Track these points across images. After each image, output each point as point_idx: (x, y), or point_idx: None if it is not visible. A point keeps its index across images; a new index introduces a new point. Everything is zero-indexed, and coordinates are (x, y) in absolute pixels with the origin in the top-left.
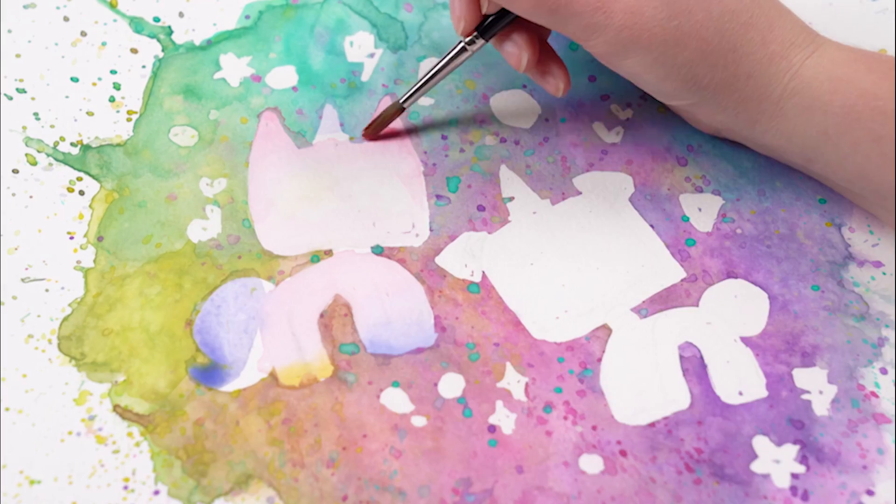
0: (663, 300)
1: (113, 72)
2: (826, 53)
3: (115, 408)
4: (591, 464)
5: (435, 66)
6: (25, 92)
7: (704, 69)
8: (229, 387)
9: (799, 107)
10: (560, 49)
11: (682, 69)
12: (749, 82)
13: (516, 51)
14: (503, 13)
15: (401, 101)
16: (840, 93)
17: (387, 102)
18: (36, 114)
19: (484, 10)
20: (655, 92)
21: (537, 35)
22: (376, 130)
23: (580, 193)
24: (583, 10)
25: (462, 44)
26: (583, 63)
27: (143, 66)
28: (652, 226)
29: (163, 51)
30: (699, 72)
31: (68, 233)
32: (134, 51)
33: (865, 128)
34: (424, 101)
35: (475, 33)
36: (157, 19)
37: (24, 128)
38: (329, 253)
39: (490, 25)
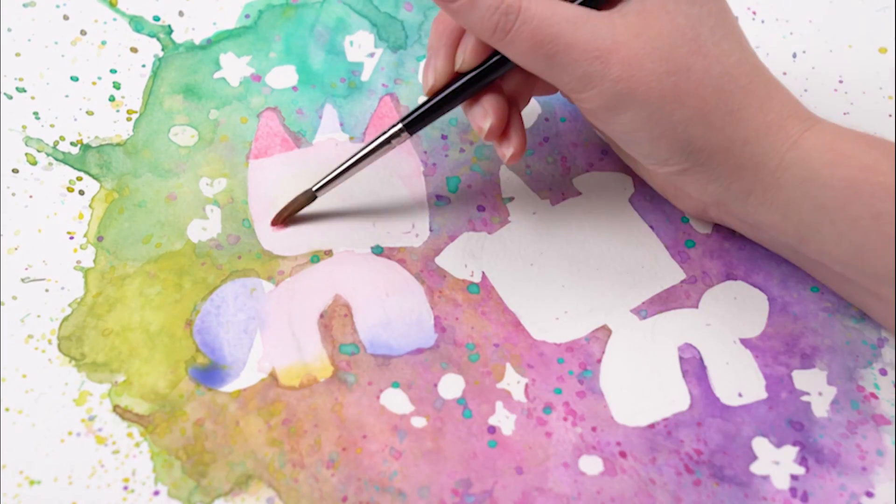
0: (663, 301)
1: (113, 71)
2: (826, 128)
3: (115, 408)
4: (591, 465)
5: (354, 156)
6: (25, 91)
7: (700, 130)
8: (229, 387)
9: (797, 178)
10: None
11: (677, 128)
12: (745, 149)
13: (481, 115)
14: (467, 83)
15: (314, 189)
16: (840, 166)
17: (387, 102)
18: (36, 113)
19: (458, 66)
20: (646, 155)
21: (506, 101)
22: (285, 218)
23: (580, 194)
24: (580, 58)
25: (388, 135)
26: None
27: (143, 66)
28: (652, 227)
29: (163, 50)
30: (695, 132)
31: (68, 233)
32: (134, 50)
33: (865, 203)
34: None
35: (401, 126)
36: (157, 18)
37: (24, 127)
38: (329, 253)
39: (428, 112)
